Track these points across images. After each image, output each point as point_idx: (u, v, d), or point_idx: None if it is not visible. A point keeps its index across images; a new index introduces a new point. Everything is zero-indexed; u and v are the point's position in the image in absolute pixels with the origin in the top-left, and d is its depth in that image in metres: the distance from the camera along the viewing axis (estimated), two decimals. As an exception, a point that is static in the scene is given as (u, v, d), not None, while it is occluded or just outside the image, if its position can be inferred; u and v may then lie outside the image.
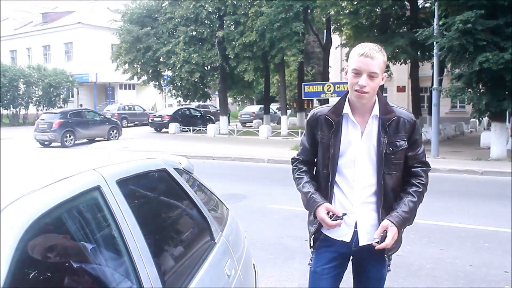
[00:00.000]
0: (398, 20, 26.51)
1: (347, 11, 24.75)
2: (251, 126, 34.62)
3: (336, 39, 32.62)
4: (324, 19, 30.79)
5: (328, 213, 2.72)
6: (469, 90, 16.90)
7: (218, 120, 31.87)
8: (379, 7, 23.68)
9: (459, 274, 5.57)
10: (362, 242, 2.78)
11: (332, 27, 30.87)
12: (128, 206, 2.04)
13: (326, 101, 30.78)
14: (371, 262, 2.87)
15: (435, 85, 17.87)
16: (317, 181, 2.92)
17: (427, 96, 31.38)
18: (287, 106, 37.82)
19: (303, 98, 28.46)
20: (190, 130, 29.68)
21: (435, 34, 16.94)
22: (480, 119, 19.54)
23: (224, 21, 28.18)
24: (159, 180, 2.79)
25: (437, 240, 7.04)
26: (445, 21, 16.06)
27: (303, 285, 5.40)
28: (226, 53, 27.27)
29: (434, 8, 17.81)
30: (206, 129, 28.85)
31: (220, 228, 3.13)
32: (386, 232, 2.64)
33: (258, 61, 27.68)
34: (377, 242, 2.64)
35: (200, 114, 35.35)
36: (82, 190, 1.84)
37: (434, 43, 17.05)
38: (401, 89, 40.07)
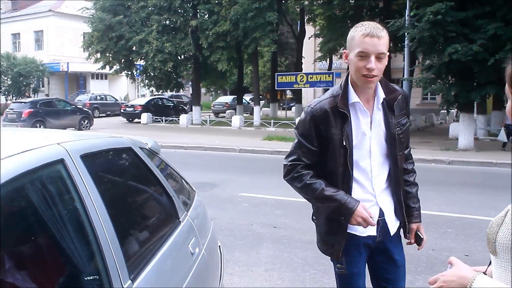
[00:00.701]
0: (371, 11, 26.76)
1: (321, 1, 24.94)
2: (224, 117, 34.59)
3: (309, 29, 32.76)
4: (298, 9, 30.89)
5: None
6: (439, 81, 17.17)
7: (191, 110, 31.77)
8: (352, -2, 23.87)
9: (422, 258, 5.69)
10: (392, 230, 2.69)
11: (306, 18, 31.05)
12: (93, 181, 2.06)
13: (299, 92, 31.01)
14: (396, 251, 2.73)
15: (406, 76, 18.09)
16: (330, 183, 2.59)
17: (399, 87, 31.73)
18: (260, 96, 37.94)
19: (276, 88, 28.56)
20: (162, 120, 29.54)
21: (406, 25, 17.15)
22: (449, 110, 19.88)
23: (198, 10, 28.06)
24: (124, 158, 2.80)
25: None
26: (416, 12, 16.27)
27: (270, 270, 5.49)
28: (200, 42, 27.14)
29: (406, 0, 18.00)
30: (178, 119, 28.73)
31: (186, 208, 3.16)
32: (417, 232, 2.77)
33: (231, 51, 27.67)
34: (410, 243, 2.80)
35: (173, 104, 35.16)
36: (45, 162, 1.85)
37: (406, 34, 17.24)
38: (373, 80, 40.40)
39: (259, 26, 24.67)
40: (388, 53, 2.47)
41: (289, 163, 2.68)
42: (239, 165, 13.82)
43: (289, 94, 43.47)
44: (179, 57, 29.52)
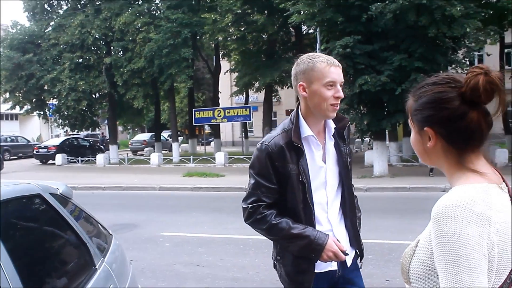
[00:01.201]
0: (284, 45, 27.46)
1: (235, 37, 25.25)
2: (143, 155, 34.02)
3: (225, 64, 33.14)
4: (213, 45, 31.19)
5: None
6: (352, 111, 17.74)
7: (108, 150, 31.04)
8: (265, 33, 24.38)
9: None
10: (349, 261, 2.64)
11: (221, 53, 31.42)
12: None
13: (217, 126, 31.08)
14: (356, 280, 2.68)
15: (320, 107, 18.53)
16: (293, 220, 2.52)
17: (314, 118, 32.54)
18: (179, 133, 37.69)
19: (194, 124, 28.48)
20: (78, 161, 28.59)
21: (318, 58, 17.63)
22: (363, 138, 20.57)
23: (112, 47, 27.68)
24: (33, 206, 2.66)
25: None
26: (326, 45, 16.86)
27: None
28: (114, 80, 26.73)
29: (317, 34, 18.59)
30: (95, 159, 27.93)
31: (102, 254, 3.04)
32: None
33: (147, 87, 27.40)
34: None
35: (89, 143, 34.25)
36: None
37: (318, 67, 17.71)
38: (289, 112, 40.78)
39: (175, 62, 24.65)
40: None
41: (250, 205, 2.57)
42: (159, 204, 13.56)
43: (207, 129, 43.47)
44: (93, 95, 28.89)
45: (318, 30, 18.33)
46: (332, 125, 2.59)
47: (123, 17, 25.12)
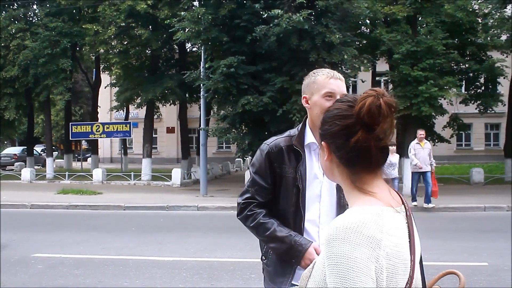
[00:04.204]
0: (167, 62, 27.22)
1: (117, 50, 24.64)
2: (13, 170, 31.92)
3: (105, 78, 32.24)
4: (93, 57, 30.21)
5: None
6: (234, 130, 17.96)
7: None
8: (149, 48, 24.08)
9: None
10: None
11: (102, 66, 30.44)
12: None
13: (95, 142, 29.99)
14: None
15: (202, 125, 18.57)
16: (282, 223, 2.57)
17: (196, 137, 32.55)
18: (54, 147, 35.93)
19: (70, 139, 27.33)
20: None
21: (202, 76, 17.73)
22: (244, 158, 20.85)
23: (-19, 54, 25.81)
24: None
25: (208, 275, 7.17)
26: (211, 64, 17.02)
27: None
28: (-17, 88, 24.93)
29: (201, 52, 18.68)
30: (-43, 173, 25.77)
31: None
32: None
33: (20, 98, 25.85)
34: None
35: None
36: None
37: (201, 85, 17.81)
38: (170, 130, 41.02)
39: (52, 73, 23.43)
40: None
41: (243, 201, 2.66)
42: (31, 223, 12.72)
43: (84, 145, 41.88)
44: (-42, 104, 26.75)
45: (203, 48, 18.41)
46: None
47: (-4, 21, 23.60)
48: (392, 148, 13.11)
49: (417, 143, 13.61)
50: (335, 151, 1.48)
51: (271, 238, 2.56)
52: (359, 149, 1.41)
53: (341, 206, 2.58)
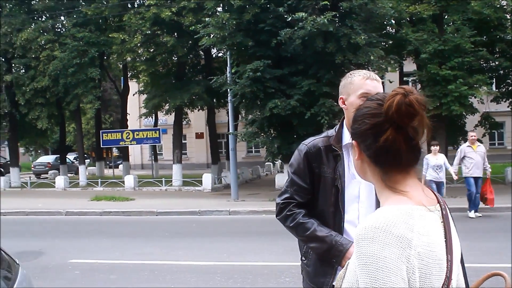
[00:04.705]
0: (194, 68, 27.42)
1: (144, 58, 24.93)
2: (47, 178, 32.53)
3: (133, 86, 32.59)
4: (121, 65, 30.62)
5: None
6: (262, 134, 17.99)
7: (9, 173, 29.36)
8: (175, 55, 24.29)
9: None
10: None
11: (129, 74, 30.82)
12: None
13: (126, 149, 30.37)
14: None
15: (231, 130, 18.66)
16: (322, 223, 2.58)
17: (224, 142, 32.65)
18: (85, 155, 36.47)
19: (101, 146, 27.72)
20: (-26, 185, 26.83)
21: (228, 81, 17.82)
22: (274, 162, 20.86)
23: (13, 65, 26.34)
24: None
25: (242, 279, 7.21)
26: (237, 69, 17.08)
27: None
28: (16, 99, 25.42)
29: (227, 57, 18.77)
30: (-6, 183, 26.31)
31: (8, 285, 2.83)
32: None
33: (52, 107, 26.29)
34: None
35: (-13, 166, 32.37)
36: None
37: (228, 90, 17.89)
38: (199, 135, 41.22)
39: (81, 82, 23.82)
40: None
41: (282, 201, 2.67)
42: (66, 229, 12.98)
43: (115, 152, 42.40)
44: (-8, 115, 27.37)
45: (228, 53, 18.51)
46: None
47: (25, 33, 23.99)
48: (435, 149, 12.14)
49: (468, 146, 12.34)
50: (365, 150, 1.47)
51: (311, 237, 2.56)
52: (388, 148, 1.39)
53: (380, 206, 2.61)
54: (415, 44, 18.10)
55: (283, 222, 2.70)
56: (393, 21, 20.16)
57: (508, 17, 21.68)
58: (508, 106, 23.18)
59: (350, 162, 2.56)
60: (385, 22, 19.88)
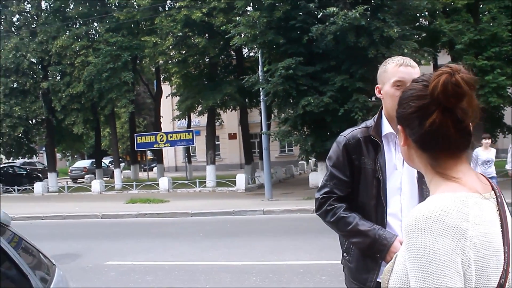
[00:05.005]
0: (225, 68, 27.47)
1: (176, 60, 25.05)
2: (83, 182, 33.01)
3: (166, 88, 32.78)
4: (153, 69, 30.85)
5: None
6: (296, 132, 17.82)
7: (47, 178, 29.89)
8: (206, 56, 24.34)
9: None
10: None
11: (162, 77, 31.04)
12: None
13: (160, 151, 30.57)
14: None
15: (264, 129, 18.54)
16: (363, 217, 2.48)
17: (257, 141, 32.59)
18: (120, 159, 36.91)
19: (136, 149, 27.95)
20: (14, 190, 27.40)
21: (260, 80, 17.71)
22: (308, 160, 20.65)
23: (49, 72, 26.80)
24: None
25: (278, 279, 7.10)
26: (269, 67, 16.95)
27: None
28: (52, 105, 25.85)
29: (258, 56, 18.67)
30: (33, 188, 26.82)
31: (46, 285, 2.77)
32: None
33: (87, 113, 26.66)
34: None
35: (26, 172, 32.99)
36: None
37: (261, 89, 17.79)
38: (232, 136, 41.27)
39: (115, 87, 24.10)
40: None
41: (321, 196, 2.58)
42: (102, 232, 13.06)
43: (149, 155, 42.77)
44: (30, 121, 27.86)
45: (259, 52, 18.41)
46: None
47: (60, 40, 24.42)
48: (486, 142, 11.15)
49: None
50: (411, 135, 1.37)
51: (354, 232, 2.46)
52: (436, 132, 1.30)
53: (424, 198, 2.42)
54: (450, 35, 17.66)
55: (323, 218, 2.60)
56: (426, 13, 19.73)
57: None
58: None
59: (391, 153, 2.50)
60: (418, 14, 19.48)
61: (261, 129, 19.29)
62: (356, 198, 2.53)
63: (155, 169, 34.84)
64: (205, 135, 27.55)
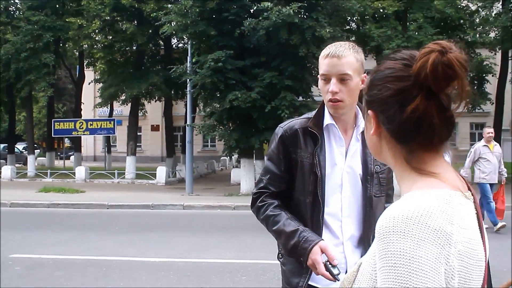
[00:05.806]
0: (153, 58, 26.86)
1: (102, 45, 24.13)
2: (-8, 167, 31.25)
3: (89, 74, 31.63)
4: (77, 53, 29.61)
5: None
6: (221, 127, 17.56)
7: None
8: (134, 43, 23.61)
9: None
10: None
11: (85, 62, 29.81)
12: None
13: (78, 139, 29.38)
14: None
15: (188, 122, 18.16)
16: (297, 215, 2.25)
17: (180, 135, 32.10)
18: (35, 145, 35.29)
19: (52, 136, 26.81)
20: None
21: (188, 71, 17.32)
22: (231, 156, 20.43)
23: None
24: None
25: (196, 277, 6.77)
26: (198, 58, 16.61)
27: None
28: (-39, 83, 24.26)
29: (188, 47, 18.26)
30: None
31: None
32: None
33: (2, 94, 25.28)
34: None
35: None
36: None
37: (188, 80, 17.41)
38: (155, 128, 40.56)
39: (34, 68, 22.80)
40: (364, 75, 2.19)
41: (255, 191, 2.39)
42: (10, 222, 12.14)
43: (67, 143, 41.20)
44: None
45: (189, 42, 17.99)
46: (362, 124, 2.22)
47: (-25, 15, 22.97)
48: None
49: (484, 145, 9.96)
50: (385, 123, 1.16)
51: (279, 232, 2.22)
52: (417, 120, 1.09)
53: (367, 197, 2.24)
54: (378, 40, 17.98)
55: (256, 214, 2.39)
56: (358, 17, 20.03)
57: (468, 17, 21.98)
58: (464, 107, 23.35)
59: (332, 147, 2.27)
60: (349, 18, 19.75)
61: (185, 122, 18.92)
62: (292, 195, 2.31)
63: (72, 157, 33.57)
64: (127, 125, 26.78)
